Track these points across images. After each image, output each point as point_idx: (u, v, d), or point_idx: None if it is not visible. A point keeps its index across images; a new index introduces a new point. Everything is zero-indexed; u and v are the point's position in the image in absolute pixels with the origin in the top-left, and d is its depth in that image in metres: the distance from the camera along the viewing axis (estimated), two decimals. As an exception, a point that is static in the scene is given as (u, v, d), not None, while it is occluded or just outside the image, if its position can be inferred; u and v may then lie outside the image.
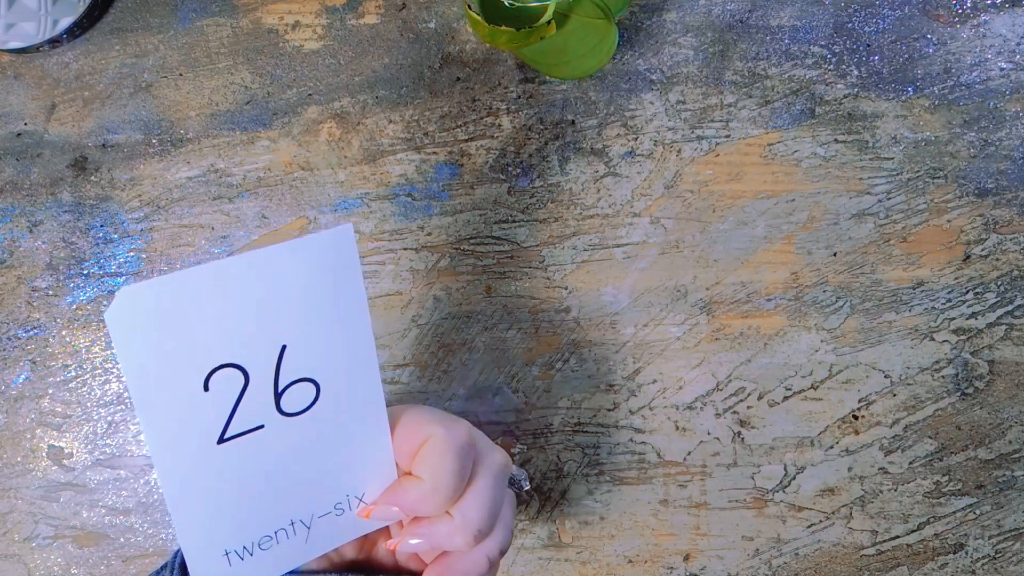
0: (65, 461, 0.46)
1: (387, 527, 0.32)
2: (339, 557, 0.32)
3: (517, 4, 0.34)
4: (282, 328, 0.25)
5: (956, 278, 0.43)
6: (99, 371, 0.46)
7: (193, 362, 0.23)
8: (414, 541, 0.28)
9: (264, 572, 0.28)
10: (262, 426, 0.25)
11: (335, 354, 0.26)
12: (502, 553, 0.30)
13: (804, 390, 0.44)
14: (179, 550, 0.36)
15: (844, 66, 0.44)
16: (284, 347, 0.25)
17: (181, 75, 0.46)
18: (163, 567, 0.36)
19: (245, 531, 0.27)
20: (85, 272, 0.46)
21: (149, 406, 0.23)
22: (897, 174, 0.44)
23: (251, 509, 0.27)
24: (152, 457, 0.24)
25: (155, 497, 0.46)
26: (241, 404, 0.25)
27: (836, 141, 0.44)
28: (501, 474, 0.29)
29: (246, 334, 0.24)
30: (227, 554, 0.27)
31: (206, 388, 0.24)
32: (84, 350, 0.46)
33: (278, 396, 0.25)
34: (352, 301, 0.26)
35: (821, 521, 0.43)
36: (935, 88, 0.43)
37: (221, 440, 0.25)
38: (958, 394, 0.43)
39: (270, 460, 0.26)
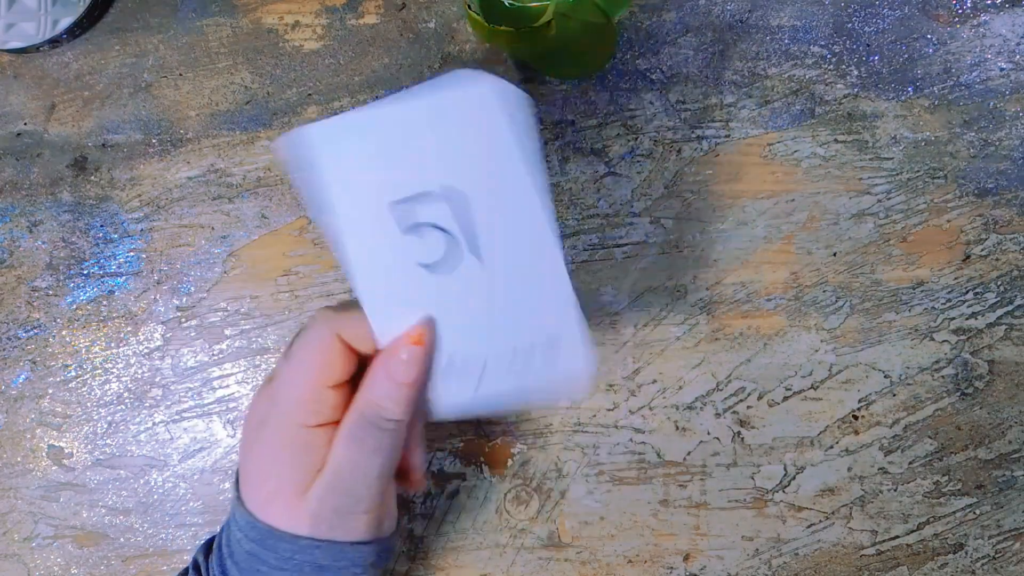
0: (65, 461, 0.46)
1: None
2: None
3: (517, 4, 0.34)
4: (449, 171, 0.28)
5: (956, 278, 0.43)
6: (99, 371, 0.46)
7: (380, 178, 0.28)
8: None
9: (435, 393, 0.32)
10: (463, 263, 0.29)
11: (515, 213, 0.29)
12: None
13: (804, 390, 0.44)
14: (187, 569, 0.36)
15: (844, 66, 0.44)
16: (454, 189, 0.28)
17: (181, 75, 0.46)
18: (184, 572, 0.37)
19: (458, 344, 0.31)
20: (85, 272, 0.46)
21: (340, 231, 0.28)
22: (897, 174, 0.44)
23: (460, 327, 0.31)
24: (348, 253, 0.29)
25: (155, 497, 0.46)
26: (428, 231, 0.29)
27: (836, 141, 0.44)
28: None
29: (424, 172, 0.28)
30: (447, 361, 0.31)
31: (400, 220, 0.28)
32: (84, 350, 0.46)
33: (473, 239, 0.29)
34: (518, 154, 0.28)
35: (821, 521, 0.43)
36: (935, 88, 0.43)
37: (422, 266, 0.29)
38: (958, 394, 0.43)
39: (470, 291, 0.30)
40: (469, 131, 0.27)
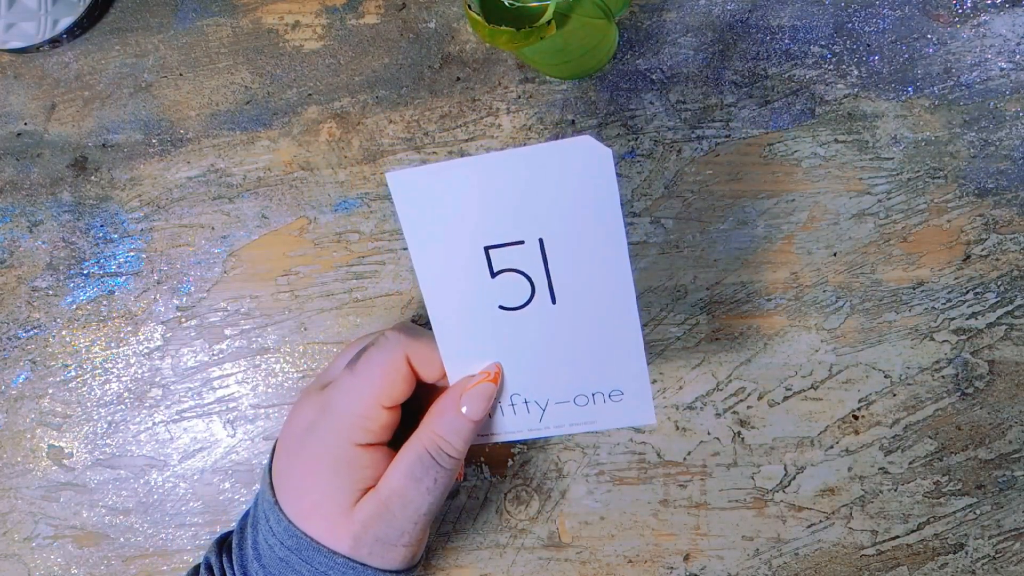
0: (65, 461, 0.46)
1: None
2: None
3: (517, 4, 0.34)
4: (540, 221, 0.29)
5: (956, 278, 0.43)
6: (99, 371, 0.46)
7: (465, 237, 0.29)
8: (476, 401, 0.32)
9: (497, 429, 0.34)
10: (533, 300, 0.31)
11: (593, 260, 0.30)
12: None
13: (804, 390, 0.44)
14: (199, 565, 0.36)
15: (844, 66, 0.44)
16: (542, 240, 0.30)
17: (181, 75, 0.46)
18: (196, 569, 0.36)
19: (526, 380, 0.33)
20: (85, 272, 0.46)
21: (427, 266, 0.30)
22: (897, 174, 0.44)
23: (532, 367, 0.32)
24: (428, 304, 0.30)
25: (155, 497, 0.46)
26: (509, 273, 0.30)
27: (836, 141, 0.44)
28: None
29: (509, 221, 0.29)
30: (511, 398, 0.33)
31: (490, 264, 0.30)
32: (84, 350, 0.46)
33: (549, 282, 0.30)
34: (608, 210, 0.29)
35: (821, 521, 0.43)
36: (935, 88, 0.43)
37: (494, 275, 0.31)
38: (958, 394, 0.43)
39: (547, 331, 0.31)
40: (562, 185, 0.29)
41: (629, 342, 0.32)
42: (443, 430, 0.32)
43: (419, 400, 0.34)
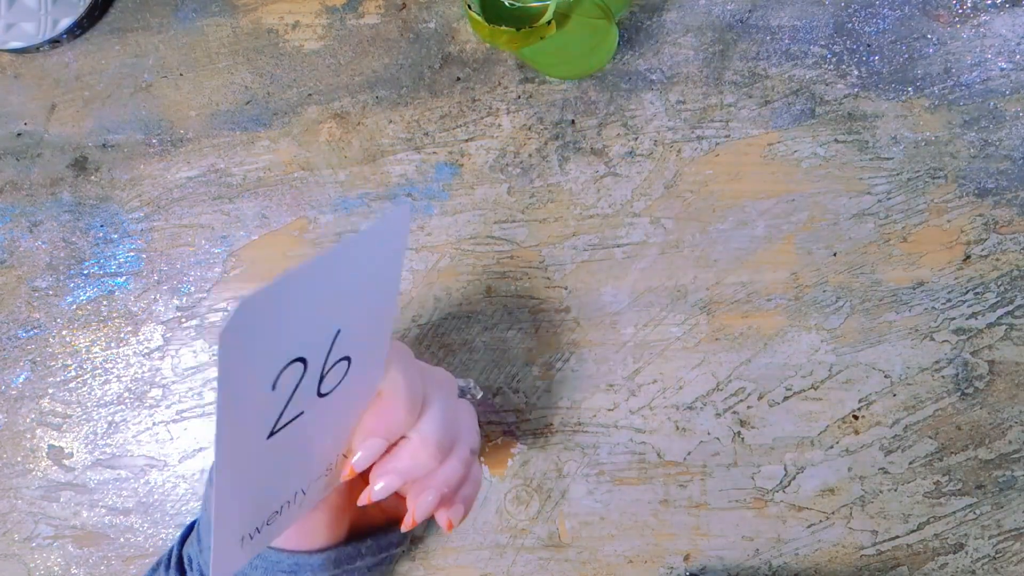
0: (65, 461, 0.46)
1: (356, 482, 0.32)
2: (333, 534, 0.32)
3: (517, 4, 0.34)
4: (339, 315, 0.24)
5: (956, 278, 0.43)
6: (99, 371, 0.46)
7: (270, 363, 0.22)
8: (382, 483, 0.28)
9: (265, 543, 0.28)
10: (303, 412, 0.25)
11: (369, 327, 0.26)
12: (474, 453, 0.31)
13: (804, 390, 0.44)
14: (172, 548, 0.36)
15: (844, 66, 0.44)
16: (338, 331, 0.24)
17: (181, 75, 0.46)
18: (157, 564, 0.36)
19: (261, 513, 0.26)
20: (85, 272, 0.46)
21: (230, 409, 0.22)
22: (897, 174, 0.44)
23: (272, 491, 0.26)
24: (217, 456, 0.23)
25: (155, 497, 0.46)
26: (294, 395, 0.24)
27: (836, 141, 0.44)
28: (447, 389, 0.31)
29: (313, 328, 0.23)
30: (242, 540, 0.26)
31: (274, 387, 0.23)
32: (84, 350, 0.46)
33: (321, 380, 0.25)
34: (390, 275, 0.25)
35: (821, 521, 0.43)
36: (935, 88, 0.43)
37: (271, 434, 0.24)
38: (958, 394, 0.43)
39: (301, 441, 0.26)
40: (366, 266, 0.24)
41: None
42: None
43: None
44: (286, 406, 0.24)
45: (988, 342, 0.43)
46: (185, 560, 0.35)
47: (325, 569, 0.32)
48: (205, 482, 0.35)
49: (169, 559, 0.36)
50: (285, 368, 0.23)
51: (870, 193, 0.43)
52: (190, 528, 0.36)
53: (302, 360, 0.24)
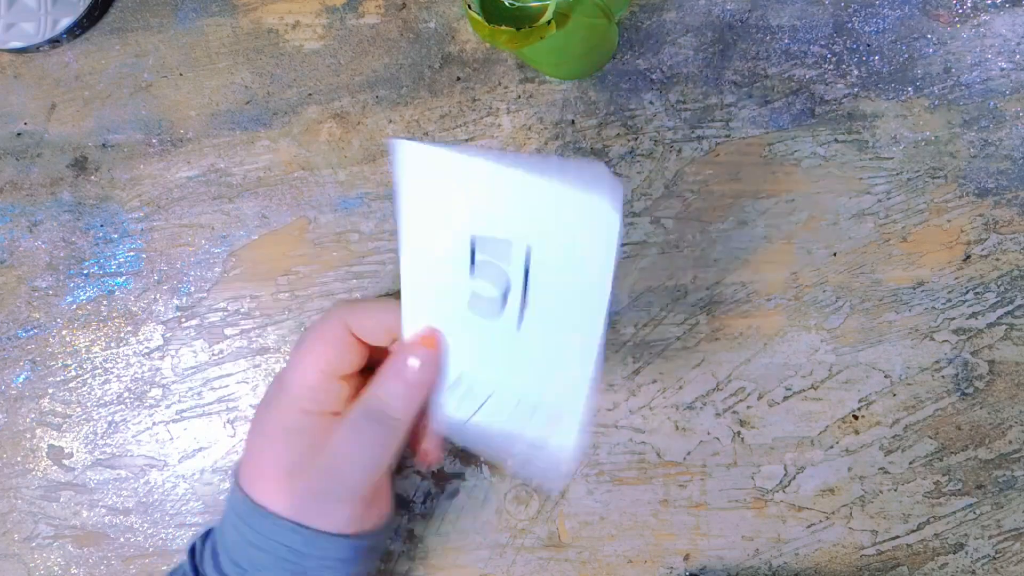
0: (65, 461, 0.46)
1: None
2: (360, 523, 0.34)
3: (517, 4, 0.34)
4: (534, 231, 0.28)
5: (956, 278, 0.43)
6: (99, 371, 0.46)
7: (457, 221, 0.29)
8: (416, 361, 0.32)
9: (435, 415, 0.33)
10: (496, 317, 0.30)
11: (573, 282, 0.29)
12: None
13: (804, 390, 0.44)
14: (183, 562, 0.36)
15: (844, 66, 0.44)
16: (530, 249, 0.29)
17: (181, 75, 0.46)
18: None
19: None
20: (85, 272, 0.46)
21: (412, 239, 0.29)
22: (897, 174, 0.44)
23: (461, 344, 0.32)
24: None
25: (155, 497, 0.46)
26: (485, 290, 0.30)
27: (836, 141, 0.44)
28: None
29: (504, 220, 0.28)
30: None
31: (472, 257, 0.29)
32: (84, 350, 0.46)
33: (523, 298, 0.30)
34: (606, 239, 0.28)
35: (821, 521, 0.43)
36: (935, 88, 0.43)
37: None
38: (958, 394, 0.43)
39: (490, 343, 0.31)
40: (572, 219, 0.28)
41: (583, 370, 0.31)
42: (384, 390, 0.32)
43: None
44: (483, 263, 0.30)
45: (988, 342, 0.43)
46: None
47: (355, 557, 0.33)
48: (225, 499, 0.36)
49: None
50: (489, 239, 0.29)
51: (870, 193, 0.43)
52: (204, 537, 0.36)
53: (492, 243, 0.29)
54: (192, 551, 0.36)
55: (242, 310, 0.46)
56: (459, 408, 0.33)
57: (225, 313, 0.46)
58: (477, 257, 0.30)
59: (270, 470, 0.32)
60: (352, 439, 0.32)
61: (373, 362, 0.34)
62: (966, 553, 0.43)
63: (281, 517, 0.32)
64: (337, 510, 0.32)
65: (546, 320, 0.30)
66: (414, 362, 0.32)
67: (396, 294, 0.32)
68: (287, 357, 0.45)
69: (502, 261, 0.29)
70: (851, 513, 0.43)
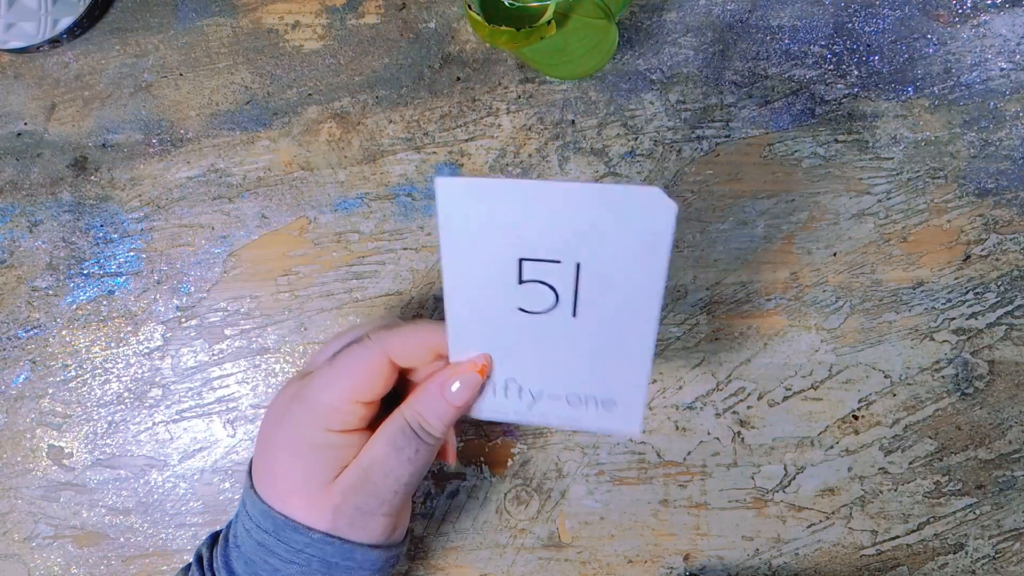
0: (65, 461, 0.46)
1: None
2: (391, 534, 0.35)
3: (517, 4, 0.34)
4: (582, 250, 0.29)
5: (956, 278, 0.43)
6: (99, 371, 0.46)
7: (502, 246, 0.29)
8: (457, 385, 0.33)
9: (484, 407, 0.34)
10: (549, 311, 0.31)
11: (623, 293, 0.30)
12: None
13: (804, 390, 0.44)
14: (189, 564, 0.36)
15: (844, 66, 0.44)
16: (579, 265, 0.29)
17: (181, 75, 0.46)
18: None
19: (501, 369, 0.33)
20: (85, 272, 0.46)
21: (456, 264, 0.30)
22: (897, 174, 0.44)
23: (510, 354, 0.32)
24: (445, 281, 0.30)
25: (155, 497, 0.46)
26: (535, 290, 0.30)
27: (836, 141, 0.44)
28: None
29: (551, 242, 0.29)
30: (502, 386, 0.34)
31: (520, 273, 0.30)
32: (84, 350, 0.46)
33: (574, 300, 0.30)
34: (656, 261, 0.29)
35: (821, 521, 0.43)
36: (935, 88, 0.43)
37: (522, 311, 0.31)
38: (958, 394, 0.43)
39: (542, 334, 0.31)
40: (617, 226, 0.28)
41: (638, 365, 0.32)
42: (425, 409, 0.33)
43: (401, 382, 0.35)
44: (526, 280, 0.30)
45: (988, 342, 0.43)
46: None
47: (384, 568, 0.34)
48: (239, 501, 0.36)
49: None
50: (535, 260, 0.29)
51: (870, 193, 0.43)
52: (211, 544, 0.36)
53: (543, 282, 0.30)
54: (199, 559, 0.36)
55: (242, 310, 0.46)
56: (508, 408, 0.34)
57: (225, 313, 0.46)
58: (525, 276, 0.30)
59: (302, 486, 0.33)
60: (392, 456, 0.32)
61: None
62: (966, 553, 0.43)
63: (315, 530, 0.32)
64: (374, 523, 0.33)
65: (598, 319, 0.31)
66: (459, 385, 0.32)
67: (418, 311, 0.32)
68: (285, 358, 0.45)
69: (550, 278, 0.30)
70: (851, 513, 0.43)
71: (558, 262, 0.29)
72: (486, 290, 0.31)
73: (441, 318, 0.32)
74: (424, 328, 0.33)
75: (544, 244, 0.29)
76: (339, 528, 0.32)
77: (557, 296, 0.30)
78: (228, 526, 0.36)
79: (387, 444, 0.32)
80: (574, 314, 0.31)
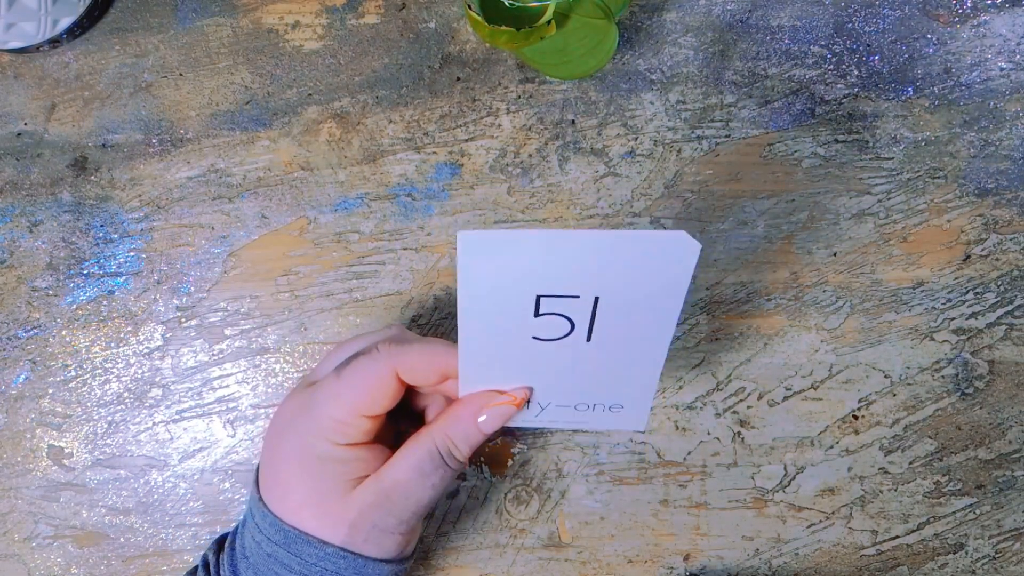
0: (65, 461, 0.46)
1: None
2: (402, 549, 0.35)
3: (517, 4, 0.34)
4: (601, 285, 0.29)
5: (956, 278, 0.43)
6: (99, 371, 0.46)
7: (520, 286, 0.29)
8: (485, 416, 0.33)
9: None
10: (563, 338, 0.31)
11: (638, 319, 0.30)
12: None
13: (804, 390, 0.44)
14: (196, 567, 0.36)
15: (844, 66, 0.44)
16: (598, 298, 0.29)
17: (181, 75, 0.46)
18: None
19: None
20: (85, 272, 0.46)
21: (472, 306, 0.29)
22: (897, 174, 0.44)
23: (522, 375, 0.33)
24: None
25: (155, 497, 0.46)
26: (551, 321, 0.30)
27: (836, 141, 0.44)
28: None
29: (570, 280, 0.29)
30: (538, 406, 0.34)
31: (537, 306, 0.30)
32: (84, 350, 0.46)
33: (590, 327, 0.30)
34: (674, 293, 0.29)
35: (821, 521, 0.43)
36: (935, 88, 0.43)
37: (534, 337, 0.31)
38: (958, 394, 0.43)
39: (555, 358, 0.32)
40: (639, 266, 0.28)
41: (647, 377, 0.32)
42: (456, 435, 0.33)
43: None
44: (542, 313, 0.30)
45: (988, 342, 0.43)
46: None
47: None
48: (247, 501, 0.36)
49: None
50: (552, 296, 0.29)
51: (870, 193, 0.43)
52: (217, 550, 0.36)
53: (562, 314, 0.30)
54: (206, 564, 0.36)
55: (242, 310, 0.46)
56: (518, 417, 0.34)
57: (225, 313, 0.46)
58: (541, 310, 0.30)
59: (314, 500, 0.32)
60: (416, 481, 0.33)
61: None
62: (966, 553, 0.43)
63: (329, 544, 0.32)
64: (390, 541, 0.33)
65: (612, 342, 0.31)
66: (495, 414, 0.32)
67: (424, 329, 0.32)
68: (285, 358, 0.45)
69: (567, 310, 0.30)
70: (851, 513, 0.43)
71: (576, 296, 0.29)
72: (501, 327, 0.31)
73: (448, 336, 0.32)
74: (436, 349, 0.33)
75: (563, 282, 0.29)
76: (354, 543, 0.32)
77: (572, 325, 0.30)
78: (234, 533, 0.36)
79: (413, 469, 0.32)
80: (588, 339, 0.31)
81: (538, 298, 0.29)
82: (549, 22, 0.35)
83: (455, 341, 0.32)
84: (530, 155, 0.45)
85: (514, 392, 0.33)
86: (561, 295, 0.29)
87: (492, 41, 0.35)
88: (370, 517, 0.32)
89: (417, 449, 0.33)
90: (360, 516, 0.32)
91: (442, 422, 0.33)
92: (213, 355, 0.46)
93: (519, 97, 0.45)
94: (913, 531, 0.43)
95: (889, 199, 0.43)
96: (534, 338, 0.31)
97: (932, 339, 0.43)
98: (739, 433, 0.44)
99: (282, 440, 0.33)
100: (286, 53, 0.46)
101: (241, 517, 0.37)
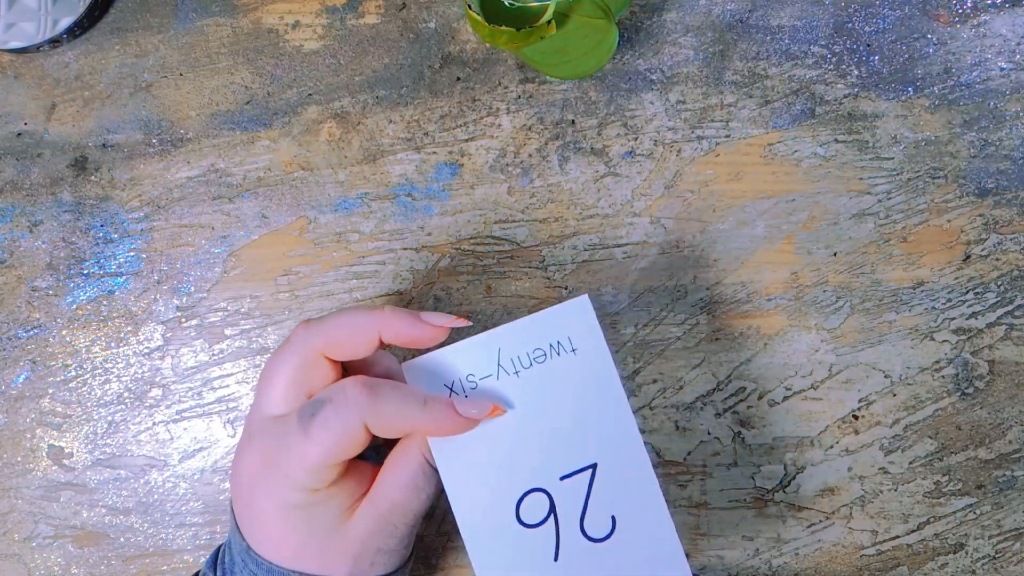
0: (65, 461, 0.46)
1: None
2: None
3: (517, 4, 0.34)
4: (556, 427, 0.32)
5: (956, 278, 0.43)
6: (99, 371, 0.46)
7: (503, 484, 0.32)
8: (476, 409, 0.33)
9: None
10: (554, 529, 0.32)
11: (603, 431, 0.32)
12: None
13: (804, 390, 0.44)
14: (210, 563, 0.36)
15: (844, 66, 0.44)
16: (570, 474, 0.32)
17: (181, 75, 0.46)
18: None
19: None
20: (85, 272, 0.46)
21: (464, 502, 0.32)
22: (897, 174, 0.44)
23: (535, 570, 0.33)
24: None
25: (155, 497, 0.46)
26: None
27: (836, 141, 0.44)
28: None
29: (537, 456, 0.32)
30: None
31: (518, 513, 0.32)
32: (84, 350, 0.46)
33: (582, 513, 0.32)
34: (601, 371, 0.32)
35: (821, 521, 0.43)
36: (935, 88, 0.43)
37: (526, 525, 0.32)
38: (958, 394, 0.43)
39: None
40: (566, 350, 0.31)
41: (658, 520, 0.33)
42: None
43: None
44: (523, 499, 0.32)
45: (988, 342, 0.43)
46: None
47: None
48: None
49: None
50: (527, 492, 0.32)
51: (870, 193, 0.43)
52: (212, 562, 0.36)
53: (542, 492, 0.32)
54: None
55: (242, 310, 0.46)
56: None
57: (225, 313, 0.46)
58: (522, 516, 0.32)
59: (310, 543, 0.32)
60: (411, 495, 0.32)
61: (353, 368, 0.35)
62: (966, 553, 0.43)
63: None
64: (394, 558, 0.34)
65: (608, 510, 0.32)
66: (473, 410, 0.32)
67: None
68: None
69: (548, 505, 0.32)
70: (851, 513, 0.43)
71: (546, 492, 0.32)
72: (490, 509, 0.32)
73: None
74: (353, 319, 0.32)
75: (531, 475, 0.31)
76: (361, 572, 0.32)
77: (557, 524, 0.32)
78: (223, 549, 0.36)
79: (407, 487, 0.32)
80: (582, 531, 0.32)
81: (519, 501, 0.32)
82: (549, 22, 0.35)
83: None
84: (530, 155, 0.45)
85: (490, 410, 0.32)
86: (532, 489, 0.32)
87: (492, 41, 0.35)
88: (373, 544, 0.32)
89: (408, 465, 0.32)
90: (363, 547, 0.32)
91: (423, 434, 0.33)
92: (213, 355, 0.46)
93: (519, 97, 0.45)
94: (913, 531, 0.43)
95: (889, 199, 0.43)
96: (523, 524, 0.32)
97: (932, 339, 0.43)
98: (739, 433, 0.44)
99: (254, 496, 0.32)
100: (286, 53, 0.46)
101: (215, 551, 0.36)
